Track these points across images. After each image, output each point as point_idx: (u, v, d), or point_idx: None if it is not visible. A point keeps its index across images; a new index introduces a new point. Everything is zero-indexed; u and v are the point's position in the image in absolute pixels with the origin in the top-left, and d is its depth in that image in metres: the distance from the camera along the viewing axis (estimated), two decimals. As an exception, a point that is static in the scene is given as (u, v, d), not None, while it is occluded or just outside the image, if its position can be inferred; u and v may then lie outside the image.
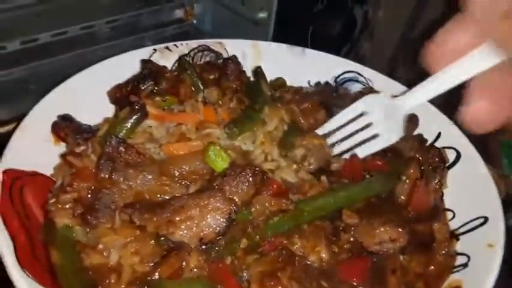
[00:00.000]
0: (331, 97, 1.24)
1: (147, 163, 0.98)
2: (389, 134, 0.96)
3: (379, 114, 0.96)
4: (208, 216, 0.85)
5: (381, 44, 2.20)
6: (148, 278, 0.81)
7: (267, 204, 0.93)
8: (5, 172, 0.91)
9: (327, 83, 1.39)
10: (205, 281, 0.84)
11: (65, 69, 1.66)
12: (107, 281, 0.82)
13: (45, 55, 1.66)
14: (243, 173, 0.92)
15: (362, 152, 1.04)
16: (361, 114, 1.02)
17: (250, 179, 0.92)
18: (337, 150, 1.08)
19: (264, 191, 0.95)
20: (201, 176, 0.98)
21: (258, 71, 1.29)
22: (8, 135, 1.29)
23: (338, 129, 1.06)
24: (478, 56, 0.59)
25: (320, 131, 1.11)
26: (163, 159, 1.02)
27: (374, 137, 1.01)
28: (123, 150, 0.97)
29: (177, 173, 0.98)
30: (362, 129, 1.03)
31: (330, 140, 1.08)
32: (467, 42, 0.61)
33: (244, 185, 0.92)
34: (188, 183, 0.98)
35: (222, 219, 0.85)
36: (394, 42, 2.20)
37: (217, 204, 0.86)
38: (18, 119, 1.20)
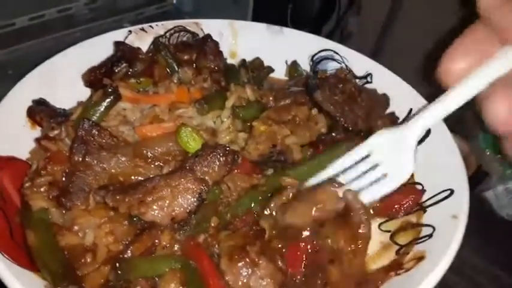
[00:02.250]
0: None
1: (120, 145, 1.00)
2: (398, 172, 0.89)
3: (386, 151, 0.88)
4: (179, 196, 0.87)
5: (368, 20, 2.20)
6: (121, 256, 0.84)
7: (238, 182, 0.95)
8: (-20, 157, 0.92)
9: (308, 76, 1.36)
10: (176, 257, 0.87)
11: (43, 53, 1.64)
12: (82, 261, 0.85)
13: (22, 39, 1.65)
14: (214, 153, 0.94)
15: (371, 197, 0.92)
16: (367, 156, 0.92)
17: (222, 158, 0.94)
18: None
19: (236, 170, 0.97)
20: (174, 157, 0.99)
21: (242, 64, 1.32)
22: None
23: (343, 171, 0.94)
24: (499, 60, 0.57)
25: (323, 175, 0.96)
26: (136, 141, 1.03)
27: (382, 176, 0.91)
28: (96, 133, 0.98)
29: (150, 155, 0.99)
30: (368, 170, 0.92)
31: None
32: (484, 53, 0.59)
33: (215, 164, 0.94)
34: (161, 164, 1.00)
35: (192, 199, 0.88)
36: (381, 18, 2.20)
37: (188, 185, 0.88)
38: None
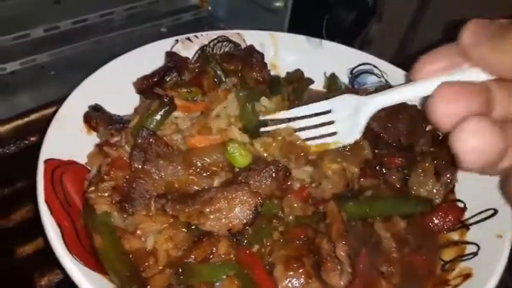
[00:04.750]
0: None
1: (175, 154, 1.03)
2: (347, 135, 1.01)
3: (343, 113, 1.00)
4: (236, 208, 0.91)
5: (390, 27, 2.22)
6: (184, 261, 0.88)
7: (295, 205, 0.99)
8: (46, 161, 0.97)
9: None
10: (233, 265, 0.90)
11: (84, 56, 1.73)
12: (146, 264, 0.89)
13: (65, 42, 1.70)
14: (267, 169, 0.97)
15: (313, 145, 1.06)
16: (328, 111, 1.04)
17: (274, 174, 0.98)
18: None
19: (292, 194, 1.00)
20: (222, 168, 1.03)
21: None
22: (37, 122, 1.36)
23: (302, 117, 1.09)
24: (458, 74, 0.64)
25: (283, 115, 1.12)
26: (186, 150, 1.06)
27: (332, 134, 1.04)
28: (154, 141, 1.02)
29: (200, 164, 1.03)
30: (324, 124, 1.05)
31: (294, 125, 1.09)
32: (452, 64, 0.66)
33: (267, 180, 0.97)
34: (209, 174, 1.03)
35: (248, 212, 0.91)
36: (403, 25, 2.22)
37: (244, 198, 0.91)
38: (54, 104, 1.25)
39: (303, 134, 1.07)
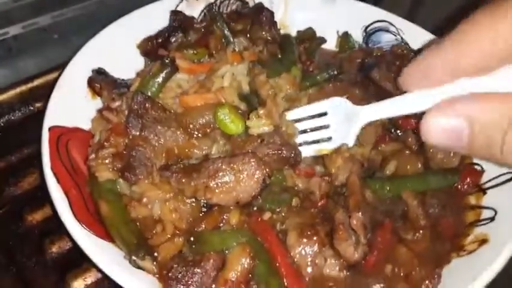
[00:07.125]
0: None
1: (172, 118, 0.98)
2: (340, 140, 0.98)
3: (337, 118, 0.97)
4: (243, 181, 0.87)
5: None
6: (195, 230, 0.87)
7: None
8: (50, 129, 0.94)
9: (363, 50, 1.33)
10: (244, 232, 0.88)
11: (88, 18, 1.66)
12: (154, 231, 0.88)
13: (67, 3, 1.64)
14: (280, 151, 0.93)
15: (311, 151, 1.01)
16: (325, 113, 1.01)
17: (284, 156, 0.94)
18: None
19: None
20: (213, 129, 0.97)
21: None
22: (42, 87, 1.33)
23: (301, 120, 1.04)
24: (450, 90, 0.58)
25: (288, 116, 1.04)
26: (180, 112, 1.00)
27: (326, 138, 1.00)
28: (150, 106, 0.96)
29: (193, 126, 0.98)
30: (321, 127, 1.02)
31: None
32: (443, 75, 0.59)
33: (276, 159, 0.94)
34: (200, 135, 0.98)
35: (256, 184, 0.88)
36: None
37: (252, 170, 0.88)
38: (58, 69, 1.21)
39: (299, 138, 1.02)
